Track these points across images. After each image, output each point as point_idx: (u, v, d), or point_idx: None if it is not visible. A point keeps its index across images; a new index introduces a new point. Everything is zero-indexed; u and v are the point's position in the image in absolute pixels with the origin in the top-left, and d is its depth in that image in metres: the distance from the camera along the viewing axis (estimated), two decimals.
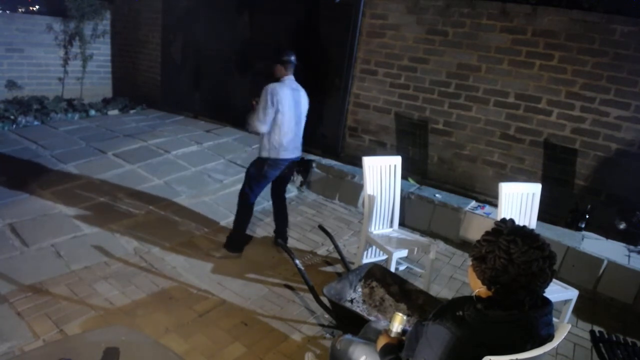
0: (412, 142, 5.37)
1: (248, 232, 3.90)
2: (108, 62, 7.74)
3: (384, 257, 3.64)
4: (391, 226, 3.67)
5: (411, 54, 5.15)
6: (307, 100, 3.66)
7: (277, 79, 3.48)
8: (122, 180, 4.68)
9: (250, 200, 3.66)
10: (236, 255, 3.70)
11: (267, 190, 4.99)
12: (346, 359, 1.98)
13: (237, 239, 3.72)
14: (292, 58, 3.50)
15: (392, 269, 3.13)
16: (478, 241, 1.54)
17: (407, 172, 5.10)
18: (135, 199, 4.35)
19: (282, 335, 2.85)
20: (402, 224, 4.10)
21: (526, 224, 3.06)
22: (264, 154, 3.53)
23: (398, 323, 1.86)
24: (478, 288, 1.54)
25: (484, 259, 1.49)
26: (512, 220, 1.54)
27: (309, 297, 3.17)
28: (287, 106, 3.42)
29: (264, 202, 4.78)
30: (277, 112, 3.38)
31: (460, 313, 1.50)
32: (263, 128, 3.43)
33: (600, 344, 2.97)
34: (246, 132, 6.08)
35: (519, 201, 3.17)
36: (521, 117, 4.66)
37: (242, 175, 5.07)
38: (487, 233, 1.53)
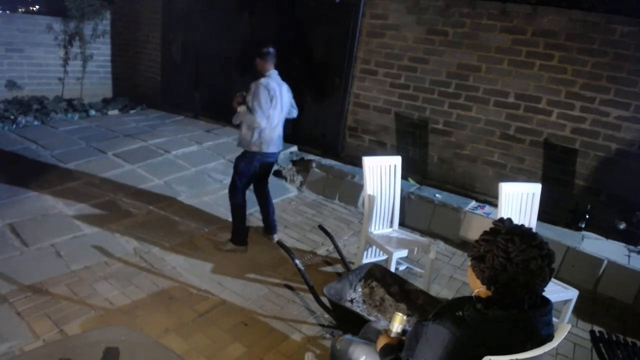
0: (412, 142, 5.37)
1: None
2: (108, 62, 7.74)
3: (384, 257, 3.64)
4: (391, 226, 3.67)
5: (411, 54, 5.15)
6: (290, 95, 3.69)
7: (261, 74, 3.52)
8: (122, 180, 4.68)
9: (241, 194, 3.70)
10: (243, 249, 3.75)
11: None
12: (346, 359, 1.98)
13: (239, 233, 3.76)
14: (271, 50, 3.52)
15: (392, 269, 3.13)
16: (476, 241, 1.54)
17: (407, 172, 5.09)
18: (135, 199, 4.35)
19: (282, 335, 2.85)
20: (402, 224, 4.10)
21: (526, 224, 3.06)
22: (254, 149, 3.56)
23: (398, 323, 1.86)
24: (478, 288, 1.54)
25: (482, 259, 1.50)
26: (509, 220, 1.54)
27: (309, 297, 3.17)
28: (276, 101, 3.49)
29: None
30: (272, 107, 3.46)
31: (460, 313, 1.50)
32: (264, 123, 3.46)
33: (600, 344, 2.97)
34: None
35: (519, 201, 3.17)
36: (521, 117, 4.66)
37: None
38: (485, 233, 1.54)
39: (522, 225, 1.52)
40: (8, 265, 3.15)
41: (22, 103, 6.46)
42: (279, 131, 3.64)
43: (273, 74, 3.55)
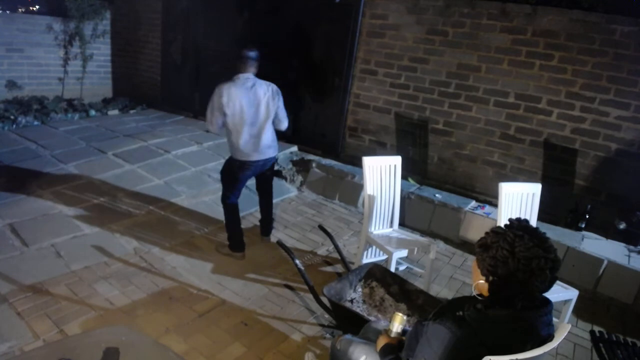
0: (412, 142, 5.37)
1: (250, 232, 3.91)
2: (108, 62, 7.74)
3: (384, 257, 3.64)
4: (391, 226, 3.67)
5: (411, 54, 5.14)
6: (269, 97, 3.39)
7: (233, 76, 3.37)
8: (122, 180, 4.68)
9: (229, 201, 3.60)
10: (240, 255, 3.69)
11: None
12: (346, 359, 1.98)
13: (232, 239, 3.70)
14: (250, 54, 3.33)
15: (392, 269, 3.13)
16: (487, 232, 1.56)
17: (407, 172, 5.09)
18: (135, 199, 4.35)
19: (282, 335, 2.85)
20: (402, 224, 4.10)
21: None
22: (230, 153, 3.53)
23: (398, 323, 1.86)
24: (478, 279, 1.55)
25: (487, 248, 1.51)
26: (526, 220, 1.56)
27: (309, 297, 3.17)
28: (237, 107, 3.28)
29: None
30: (224, 114, 3.30)
31: (461, 313, 1.50)
32: (211, 128, 3.40)
33: (600, 344, 2.97)
34: None
35: (519, 201, 3.17)
36: (521, 117, 4.66)
37: None
38: (498, 226, 1.56)
39: (537, 228, 1.52)
40: (8, 265, 3.16)
41: (22, 103, 6.47)
42: (245, 139, 3.37)
43: (242, 77, 3.31)
